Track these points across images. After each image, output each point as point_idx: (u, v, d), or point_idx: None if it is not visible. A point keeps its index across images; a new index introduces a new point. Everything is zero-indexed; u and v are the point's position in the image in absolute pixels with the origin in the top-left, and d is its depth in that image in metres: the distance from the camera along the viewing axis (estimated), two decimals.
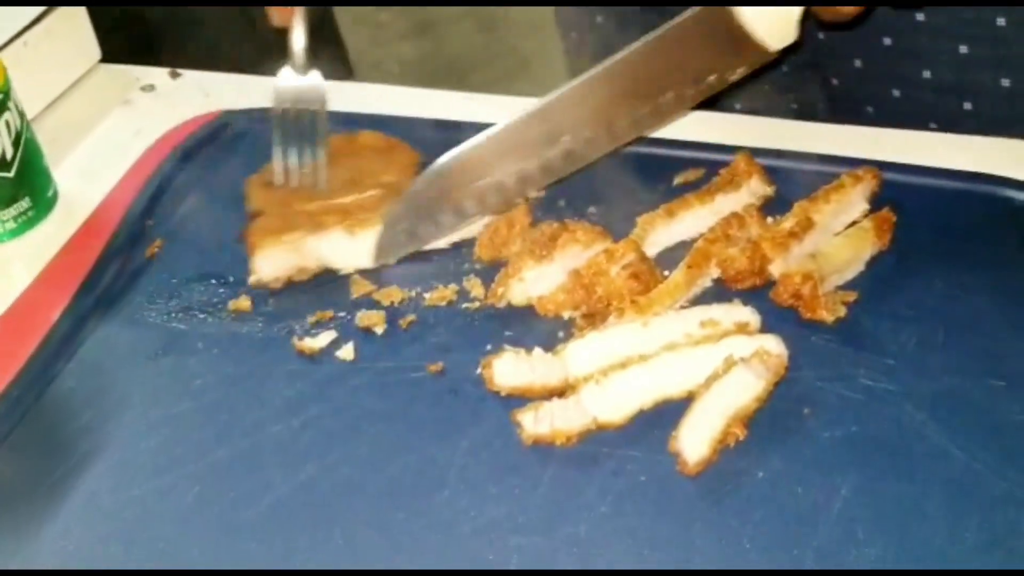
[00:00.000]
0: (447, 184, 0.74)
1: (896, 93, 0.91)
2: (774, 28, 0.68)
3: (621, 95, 0.72)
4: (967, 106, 0.88)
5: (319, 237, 0.74)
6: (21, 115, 0.81)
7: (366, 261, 0.75)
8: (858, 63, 0.93)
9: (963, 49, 0.85)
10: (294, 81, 0.82)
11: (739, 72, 0.72)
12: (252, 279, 0.74)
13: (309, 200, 0.78)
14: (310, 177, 0.80)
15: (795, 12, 0.68)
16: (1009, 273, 0.72)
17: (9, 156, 0.80)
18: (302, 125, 0.81)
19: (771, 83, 0.98)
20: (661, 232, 0.74)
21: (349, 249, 0.75)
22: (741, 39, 0.69)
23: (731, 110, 0.94)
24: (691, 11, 0.70)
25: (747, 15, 0.68)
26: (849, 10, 0.70)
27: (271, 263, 0.74)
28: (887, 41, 0.89)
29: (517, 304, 0.72)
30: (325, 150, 0.81)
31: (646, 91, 0.71)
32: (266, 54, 0.86)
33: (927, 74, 0.89)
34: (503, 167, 0.73)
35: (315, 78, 0.83)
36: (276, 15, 0.82)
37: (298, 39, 0.81)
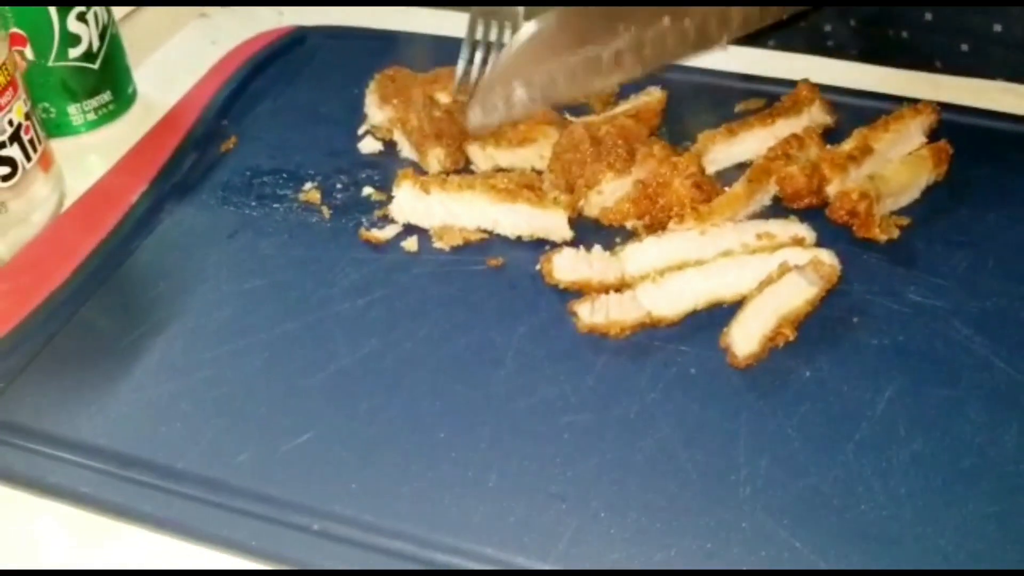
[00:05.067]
0: (541, 51, 0.74)
1: (965, 47, 0.92)
2: None
3: None
4: None
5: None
6: (108, 10, 0.84)
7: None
8: (928, 16, 0.94)
9: None
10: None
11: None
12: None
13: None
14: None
15: None
16: None
17: (95, 48, 0.83)
18: (491, 37, 0.82)
19: (836, 38, 1.00)
20: (721, 149, 0.76)
21: None
22: None
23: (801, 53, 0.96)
24: None
25: None
26: None
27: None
28: None
29: (590, 215, 0.74)
30: None
31: None
32: None
33: (998, 28, 0.89)
34: (593, 41, 0.74)
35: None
36: None
37: None
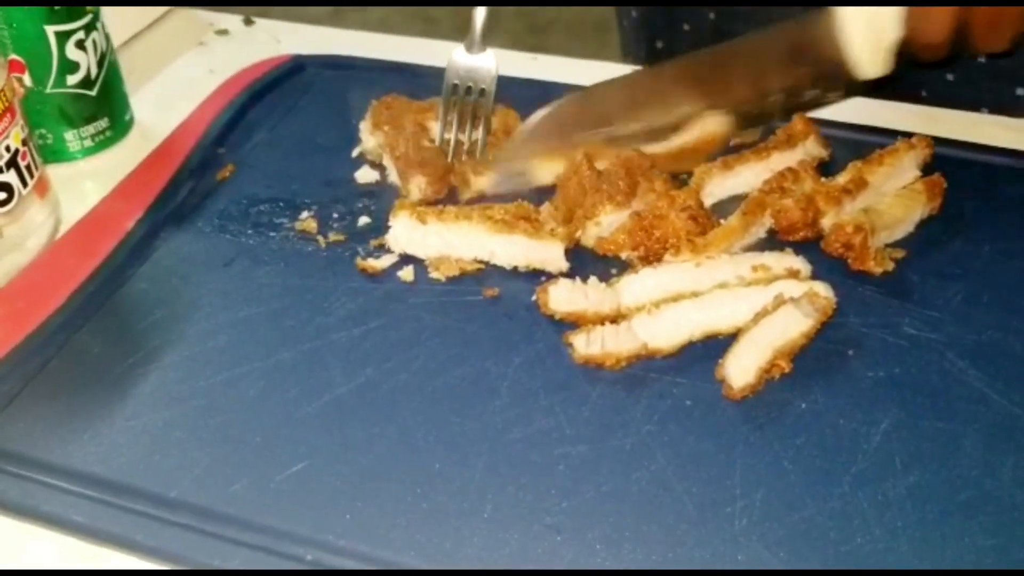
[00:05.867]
0: (559, 129, 0.78)
1: (950, 77, 0.93)
2: (868, 53, 0.74)
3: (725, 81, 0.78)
4: (1020, 91, 0.90)
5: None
6: (107, 37, 0.85)
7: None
8: None
9: None
10: (467, 59, 0.84)
11: (832, 97, 0.79)
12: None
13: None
14: (469, 152, 0.83)
15: (890, 38, 0.73)
16: None
17: (93, 75, 0.83)
18: (468, 103, 0.83)
19: None
20: (717, 182, 0.76)
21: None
22: (835, 60, 0.75)
23: None
24: (793, 22, 0.76)
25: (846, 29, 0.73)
26: (941, 39, 0.73)
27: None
28: None
29: (586, 245, 0.74)
30: (488, 129, 0.83)
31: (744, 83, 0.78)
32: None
33: (982, 58, 0.91)
34: (612, 122, 0.78)
35: (487, 58, 0.84)
36: None
37: (479, 17, 0.84)
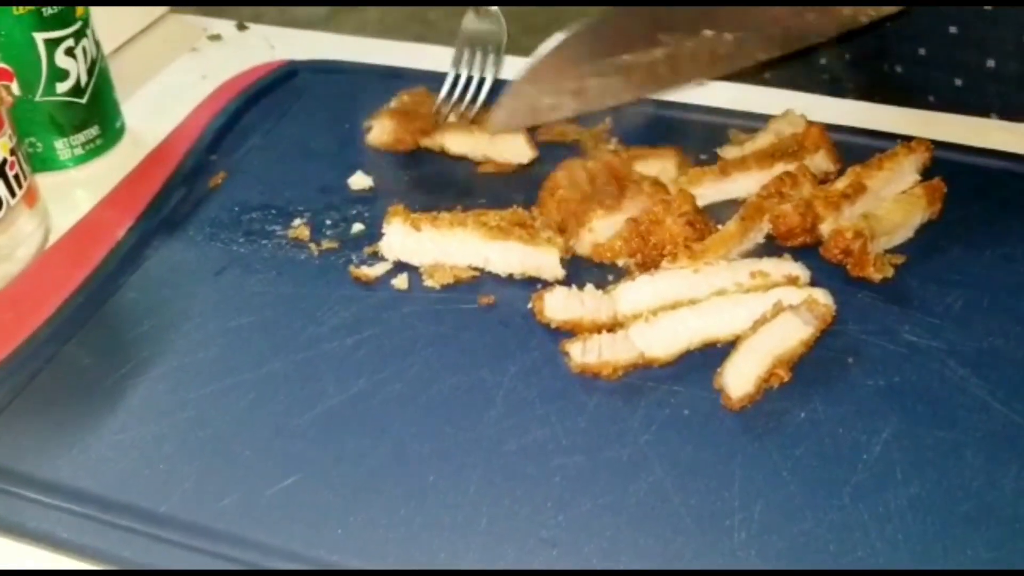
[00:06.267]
0: (572, 57, 0.74)
1: (958, 82, 0.92)
2: None
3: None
4: None
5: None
6: (97, 44, 0.84)
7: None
8: (922, 51, 0.93)
9: None
10: (476, 23, 0.85)
11: (868, 14, 0.74)
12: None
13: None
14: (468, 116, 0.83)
15: None
16: None
17: (83, 83, 0.82)
18: (475, 66, 0.84)
19: (831, 72, 1.00)
20: (710, 186, 0.75)
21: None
22: None
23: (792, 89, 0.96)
24: None
25: None
26: None
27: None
28: (952, 29, 0.90)
29: (582, 253, 0.73)
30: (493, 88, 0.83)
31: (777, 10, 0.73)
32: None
33: (991, 63, 0.89)
34: (629, 49, 0.74)
35: (496, 19, 0.85)
36: None
37: None
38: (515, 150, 0.79)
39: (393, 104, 0.85)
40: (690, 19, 0.73)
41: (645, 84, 0.76)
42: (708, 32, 0.74)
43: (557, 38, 0.74)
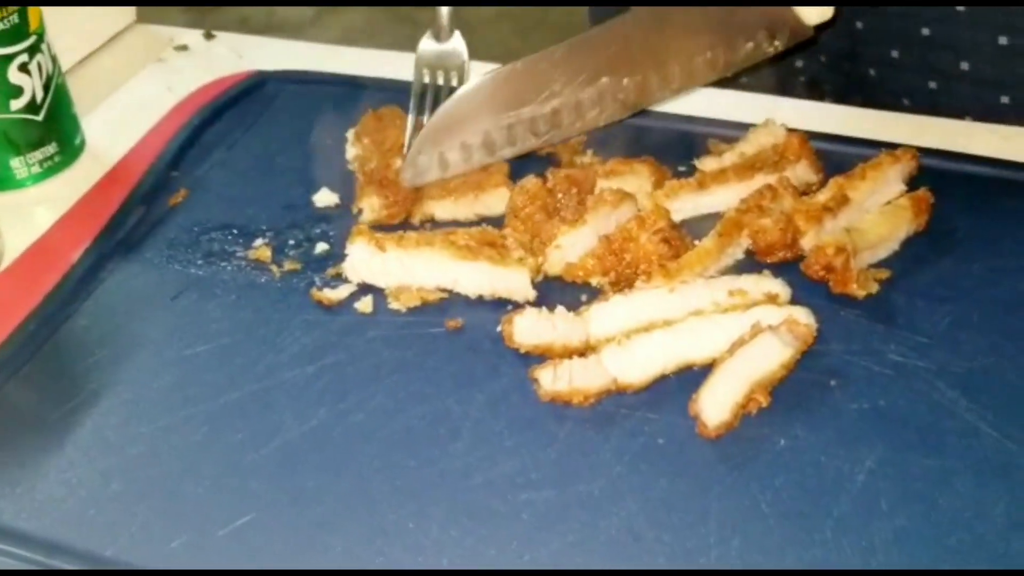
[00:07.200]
0: (474, 112, 0.73)
1: (933, 85, 0.90)
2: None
3: (647, 48, 0.72)
4: (1004, 99, 0.86)
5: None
6: (53, 59, 0.81)
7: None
8: (895, 53, 0.91)
9: (1002, 40, 0.83)
10: (435, 47, 0.82)
11: (775, 45, 0.71)
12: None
13: None
14: None
15: None
16: None
17: (39, 99, 0.79)
18: (439, 91, 0.81)
19: (808, 74, 0.97)
20: (687, 200, 0.72)
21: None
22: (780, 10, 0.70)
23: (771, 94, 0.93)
24: None
25: None
26: None
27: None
28: (925, 32, 0.88)
29: (553, 273, 0.70)
30: None
31: (678, 49, 0.72)
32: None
33: (965, 66, 0.87)
34: (527, 102, 0.72)
35: (456, 43, 0.82)
36: None
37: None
38: (501, 200, 0.75)
39: (360, 127, 0.81)
40: (587, 68, 0.73)
41: (552, 131, 0.75)
42: (605, 79, 0.73)
43: (457, 93, 0.73)
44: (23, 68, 0.77)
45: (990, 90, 0.86)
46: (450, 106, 0.73)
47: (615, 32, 0.73)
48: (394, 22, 2.86)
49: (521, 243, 0.70)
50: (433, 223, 0.76)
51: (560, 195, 0.71)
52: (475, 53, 0.83)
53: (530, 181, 0.71)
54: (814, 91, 0.98)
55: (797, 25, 0.73)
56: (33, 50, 0.78)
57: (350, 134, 0.82)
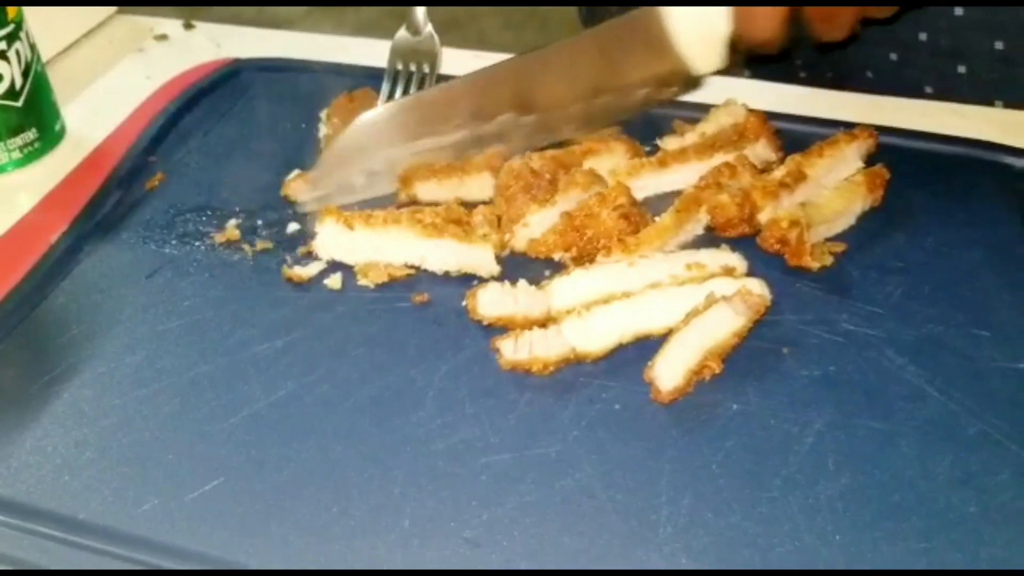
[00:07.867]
0: (375, 139, 0.76)
1: (894, 56, 0.92)
2: (701, 49, 0.73)
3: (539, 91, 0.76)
4: (961, 69, 0.89)
5: None
6: (32, 47, 0.83)
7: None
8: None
9: (958, 11, 0.86)
10: (410, 40, 0.84)
11: (671, 92, 0.77)
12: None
13: None
14: None
15: (720, 34, 0.72)
16: (1000, 231, 0.72)
17: (18, 86, 0.81)
18: (411, 77, 0.83)
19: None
20: (648, 178, 0.74)
21: None
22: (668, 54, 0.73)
23: (739, 76, 0.95)
24: (626, 15, 0.74)
25: (675, 27, 0.72)
26: (770, 35, 0.71)
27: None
28: None
29: (519, 249, 0.72)
30: None
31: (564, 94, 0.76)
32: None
33: (923, 36, 0.89)
34: (432, 133, 0.76)
35: (429, 39, 0.84)
36: None
37: None
38: (484, 185, 0.77)
39: (332, 107, 0.83)
40: (487, 104, 0.76)
41: (460, 155, 0.77)
42: (504, 116, 0.76)
43: (362, 119, 0.75)
44: (1, 55, 0.79)
45: (947, 60, 0.89)
46: (355, 132, 0.75)
47: (509, 70, 0.76)
48: (386, 17, 2.88)
49: (488, 220, 0.72)
50: (415, 204, 0.77)
51: (547, 175, 0.72)
52: (468, 46, 0.85)
53: (516, 161, 0.73)
54: (787, 66, 0.99)
55: (688, 76, 0.76)
56: (11, 38, 0.80)
57: (323, 114, 0.84)
